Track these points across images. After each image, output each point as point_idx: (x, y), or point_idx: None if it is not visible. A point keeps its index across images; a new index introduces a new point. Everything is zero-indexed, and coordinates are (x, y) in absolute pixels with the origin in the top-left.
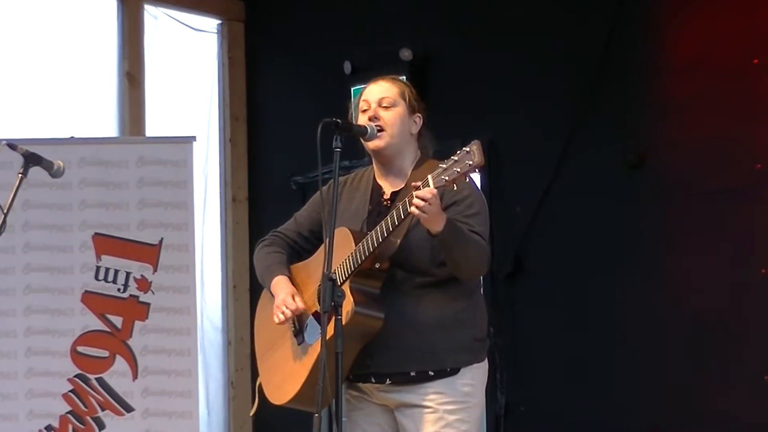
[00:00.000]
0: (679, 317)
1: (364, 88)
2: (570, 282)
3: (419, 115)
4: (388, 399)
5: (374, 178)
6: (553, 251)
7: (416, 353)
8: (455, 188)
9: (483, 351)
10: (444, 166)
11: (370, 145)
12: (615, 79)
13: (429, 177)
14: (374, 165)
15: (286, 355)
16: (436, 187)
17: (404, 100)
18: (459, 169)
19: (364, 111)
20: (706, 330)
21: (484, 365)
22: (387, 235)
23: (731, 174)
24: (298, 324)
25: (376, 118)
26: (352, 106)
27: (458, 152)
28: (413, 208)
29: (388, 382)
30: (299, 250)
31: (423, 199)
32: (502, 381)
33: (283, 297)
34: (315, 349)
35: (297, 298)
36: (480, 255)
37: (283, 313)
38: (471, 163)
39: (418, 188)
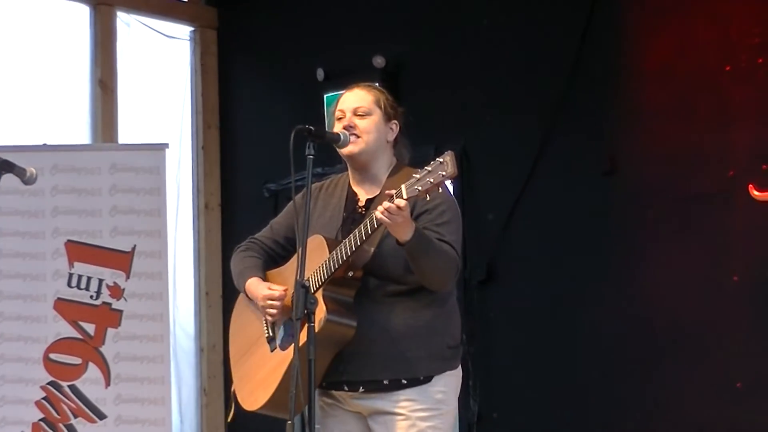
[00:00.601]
0: (652, 324)
1: (340, 96)
2: (542, 289)
3: (395, 122)
4: (361, 406)
5: (349, 185)
6: (525, 258)
7: (389, 361)
8: (428, 198)
9: (456, 358)
10: (417, 176)
11: (345, 151)
12: (587, 85)
13: (403, 187)
14: (349, 171)
15: (260, 362)
16: (408, 197)
17: (380, 107)
18: (432, 180)
19: (340, 119)
20: (678, 337)
21: (457, 372)
22: (360, 244)
23: (703, 181)
24: (271, 331)
25: (351, 126)
26: (327, 114)
27: (432, 162)
28: (379, 215)
29: (361, 390)
30: (275, 256)
31: (391, 210)
32: (475, 388)
33: (263, 293)
34: (288, 356)
35: (274, 286)
36: (448, 265)
37: (271, 306)
38: (444, 173)
39: (392, 198)
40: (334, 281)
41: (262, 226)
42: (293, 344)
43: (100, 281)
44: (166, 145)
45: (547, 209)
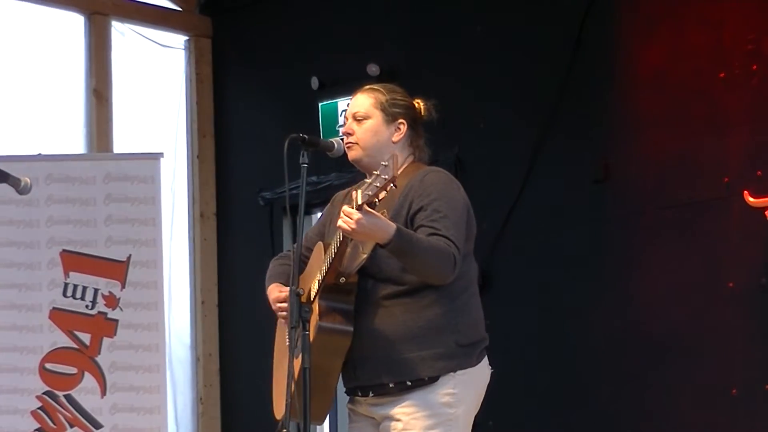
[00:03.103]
0: (647, 331)
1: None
2: (537, 297)
3: (402, 121)
4: (374, 413)
5: None
6: (519, 267)
7: (391, 364)
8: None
9: (470, 356)
10: (368, 181)
11: (348, 157)
12: (581, 93)
13: (358, 192)
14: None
15: (284, 370)
16: (362, 203)
17: (379, 110)
18: (378, 184)
19: (344, 125)
20: (674, 343)
21: (475, 371)
22: (336, 251)
23: (698, 187)
24: (290, 339)
25: (348, 133)
26: (322, 122)
27: (380, 167)
28: (341, 224)
29: (371, 394)
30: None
31: (348, 218)
32: None
33: (274, 296)
34: (298, 364)
35: (284, 288)
36: (439, 260)
37: (280, 308)
38: (386, 177)
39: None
40: (327, 288)
41: (258, 234)
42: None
43: (96, 291)
44: (160, 155)
45: (542, 217)
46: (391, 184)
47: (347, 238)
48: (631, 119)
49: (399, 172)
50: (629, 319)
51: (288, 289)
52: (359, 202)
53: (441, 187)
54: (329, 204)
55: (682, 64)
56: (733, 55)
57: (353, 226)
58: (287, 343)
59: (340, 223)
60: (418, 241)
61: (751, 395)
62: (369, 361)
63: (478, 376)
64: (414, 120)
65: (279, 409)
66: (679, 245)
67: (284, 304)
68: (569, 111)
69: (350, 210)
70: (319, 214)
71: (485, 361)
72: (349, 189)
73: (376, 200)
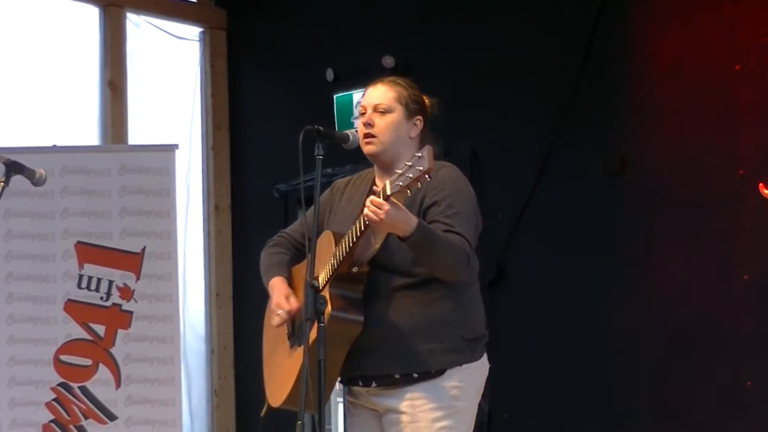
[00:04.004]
0: (662, 324)
1: (365, 91)
2: (552, 289)
3: (419, 117)
4: (377, 404)
5: (374, 179)
6: (535, 258)
7: (399, 355)
8: (435, 186)
9: (475, 350)
10: (399, 171)
11: (364, 150)
12: (596, 86)
13: (387, 183)
14: (375, 166)
15: (282, 358)
16: (391, 193)
17: (401, 104)
18: (411, 175)
19: (362, 115)
20: (689, 336)
21: (477, 365)
22: (355, 240)
23: (713, 180)
24: (291, 327)
25: (370, 124)
26: (336, 114)
27: (412, 158)
28: (367, 212)
29: (374, 385)
30: (303, 250)
31: (377, 208)
32: (486, 388)
33: (276, 299)
34: (302, 354)
35: (291, 299)
36: (456, 257)
37: (278, 315)
38: (421, 168)
39: (378, 194)
40: (339, 277)
41: (273, 227)
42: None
43: (110, 282)
44: (175, 146)
45: (557, 210)
46: (426, 176)
47: (368, 227)
48: (647, 112)
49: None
50: (644, 311)
51: (294, 299)
52: (388, 193)
53: (454, 182)
54: (327, 192)
55: (697, 58)
56: (748, 48)
57: (381, 216)
58: (287, 332)
59: (366, 212)
60: (438, 237)
61: (765, 388)
62: (375, 352)
63: (480, 370)
64: (426, 117)
65: (275, 398)
66: (694, 238)
67: (285, 315)
68: (585, 104)
69: (379, 200)
70: None
71: (485, 356)
72: (349, 178)
73: (408, 192)
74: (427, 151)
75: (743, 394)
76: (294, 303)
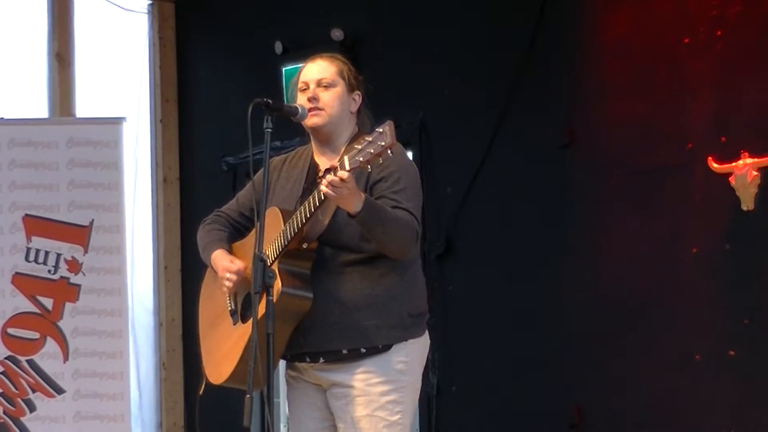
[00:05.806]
0: (611, 296)
1: (303, 67)
2: (501, 262)
3: (358, 93)
4: (322, 378)
5: (312, 156)
6: (483, 231)
7: (347, 331)
8: (381, 162)
9: (419, 326)
10: (359, 147)
11: (308, 123)
12: (546, 58)
13: (345, 158)
14: (312, 143)
15: (224, 335)
16: (351, 168)
17: (343, 78)
18: (372, 150)
19: (303, 91)
20: (637, 309)
21: (421, 341)
22: (309, 216)
23: (663, 153)
24: (233, 304)
25: (315, 98)
26: (286, 87)
27: (372, 133)
28: (324, 188)
29: (321, 360)
30: (241, 228)
31: (334, 183)
32: (434, 361)
33: (222, 265)
34: (248, 329)
35: (236, 261)
36: (405, 233)
37: (228, 279)
38: (383, 143)
39: (335, 169)
40: (288, 254)
41: (221, 200)
42: (252, 318)
43: (58, 255)
44: (123, 119)
45: (506, 182)
46: (389, 151)
47: (323, 203)
48: (596, 85)
49: (350, 142)
50: (593, 284)
51: (239, 261)
52: (347, 167)
53: (399, 159)
54: (263, 170)
55: (647, 30)
56: (698, 20)
57: (343, 191)
58: (229, 308)
59: (323, 187)
60: (386, 213)
61: (714, 361)
62: (321, 328)
63: (423, 346)
64: (364, 93)
65: (217, 375)
66: (643, 211)
67: (234, 276)
68: (534, 76)
69: (344, 174)
70: None
71: (427, 332)
72: (285, 156)
73: (369, 167)
74: (388, 126)
75: (692, 366)
76: (240, 263)
